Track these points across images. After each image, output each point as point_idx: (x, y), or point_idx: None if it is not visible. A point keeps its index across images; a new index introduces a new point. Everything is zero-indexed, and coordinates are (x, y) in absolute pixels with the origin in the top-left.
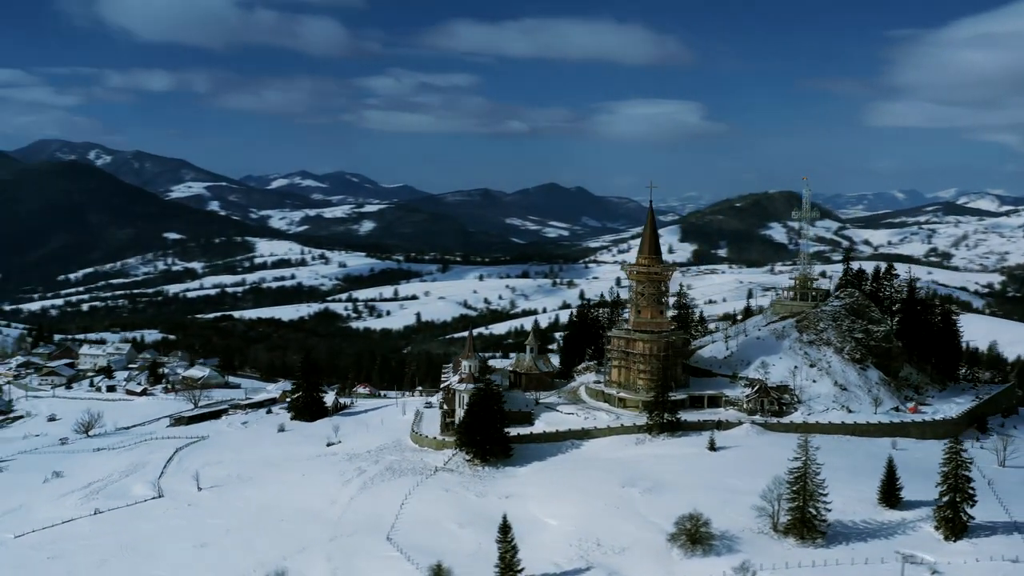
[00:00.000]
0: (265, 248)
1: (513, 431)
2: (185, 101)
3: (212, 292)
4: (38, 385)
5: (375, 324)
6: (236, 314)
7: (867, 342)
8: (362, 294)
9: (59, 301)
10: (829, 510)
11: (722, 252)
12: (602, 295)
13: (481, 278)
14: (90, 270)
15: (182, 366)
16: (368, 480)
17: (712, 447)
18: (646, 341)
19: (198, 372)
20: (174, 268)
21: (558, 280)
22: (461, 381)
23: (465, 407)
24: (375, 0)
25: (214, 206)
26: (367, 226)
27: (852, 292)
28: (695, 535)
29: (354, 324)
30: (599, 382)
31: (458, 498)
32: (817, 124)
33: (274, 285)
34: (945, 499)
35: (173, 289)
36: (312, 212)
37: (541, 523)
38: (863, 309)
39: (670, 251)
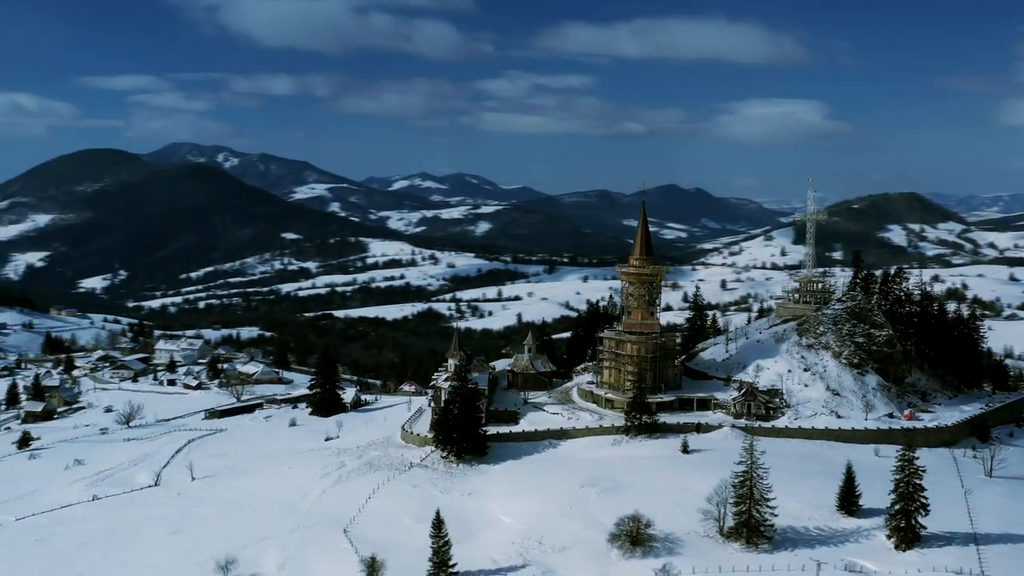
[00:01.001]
0: (377, 248)
1: (495, 430)
2: (307, 105)
3: (323, 291)
4: (109, 378)
5: (477, 324)
6: (340, 313)
7: (868, 347)
8: (467, 294)
9: (178, 299)
10: (775, 515)
11: (837, 255)
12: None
13: (586, 279)
14: (210, 269)
15: (241, 362)
16: (345, 474)
17: (685, 450)
18: (634, 342)
19: (252, 368)
20: (289, 268)
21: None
22: (447, 380)
23: (442, 405)
24: (486, 3)
25: (335, 207)
26: (483, 227)
27: (855, 296)
28: (636, 536)
29: (458, 324)
30: (592, 383)
31: (423, 494)
32: (947, 123)
33: (383, 285)
34: (896, 508)
35: (286, 288)
36: (430, 213)
37: (496, 520)
38: (865, 313)
39: (782, 254)
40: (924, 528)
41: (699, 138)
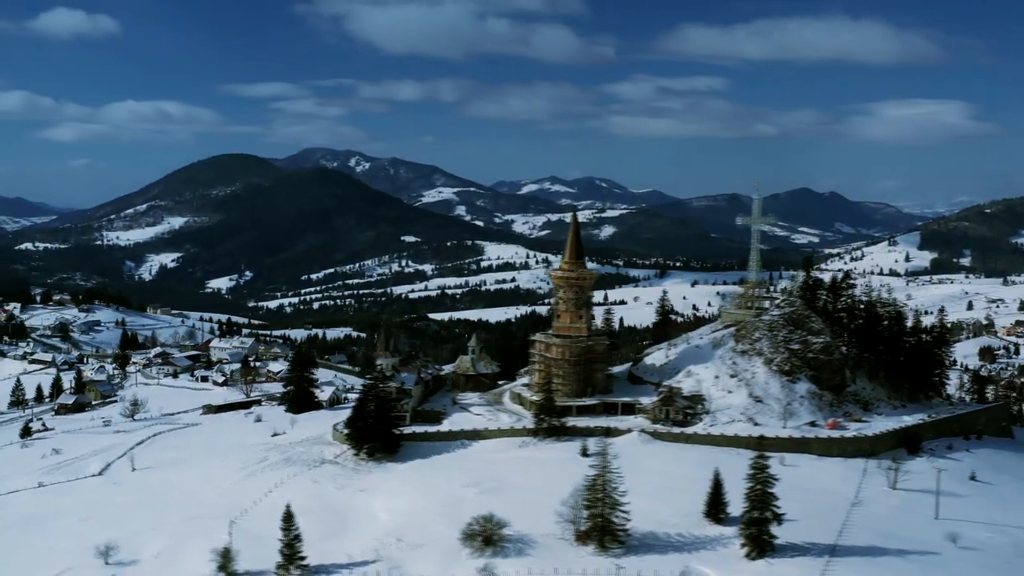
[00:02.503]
0: (493, 251)
1: (421, 429)
2: (435, 109)
3: (433, 293)
4: (155, 374)
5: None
6: (443, 315)
7: (803, 354)
8: None
9: (295, 299)
10: (628, 519)
11: (965, 261)
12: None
13: (694, 284)
14: (330, 270)
15: (276, 360)
16: (260, 469)
17: (584, 453)
18: (559, 346)
19: (278, 367)
20: (407, 270)
21: (772, 288)
22: (372, 378)
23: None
24: (601, 8)
25: (460, 211)
26: (607, 231)
27: (793, 301)
28: (489, 537)
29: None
30: (526, 385)
31: (319, 490)
32: None
33: (493, 288)
34: (750, 517)
35: (400, 290)
36: (554, 217)
37: (374, 517)
38: (802, 319)
39: (906, 259)
40: (775, 538)
41: (833, 140)
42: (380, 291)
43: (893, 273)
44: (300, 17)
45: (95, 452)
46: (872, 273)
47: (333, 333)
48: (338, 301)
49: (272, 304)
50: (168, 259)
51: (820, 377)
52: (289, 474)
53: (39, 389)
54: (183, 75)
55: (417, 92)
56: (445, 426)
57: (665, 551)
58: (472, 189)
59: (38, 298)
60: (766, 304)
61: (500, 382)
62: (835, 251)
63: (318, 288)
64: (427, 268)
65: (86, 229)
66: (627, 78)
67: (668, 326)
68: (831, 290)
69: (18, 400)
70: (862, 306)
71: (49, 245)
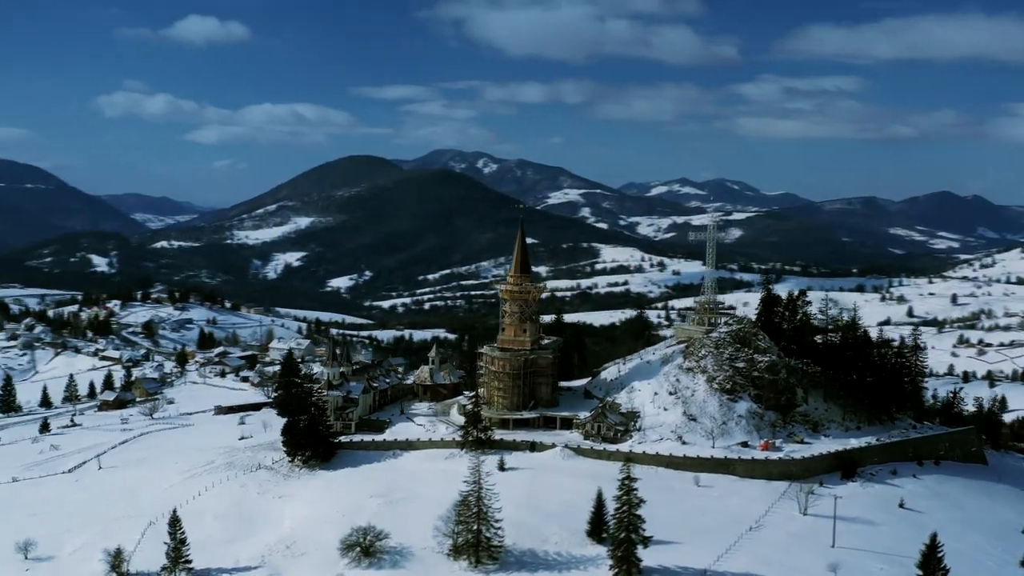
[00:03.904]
0: (608, 254)
1: (359, 438)
2: (560, 111)
3: (543, 296)
4: (207, 373)
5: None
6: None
7: (748, 372)
8: (683, 302)
9: (409, 300)
10: (502, 536)
11: None
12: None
13: (808, 290)
14: (447, 271)
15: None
16: (202, 471)
17: (501, 467)
18: (500, 359)
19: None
20: None
21: (887, 295)
22: (323, 388)
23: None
24: (721, 8)
25: (584, 212)
26: (733, 234)
27: (741, 319)
28: (368, 548)
29: (663, 332)
30: (472, 397)
31: (242, 494)
32: None
33: (603, 291)
34: (617, 538)
35: None
36: (680, 219)
37: (279, 523)
38: (749, 338)
39: None
40: (641, 560)
41: (975, 141)
42: (492, 292)
43: (1019, 281)
44: (422, 22)
45: (83, 450)
46: (997, 281)
47: (422, 335)
48: (449, 302)
49: (386, 304)
50: (293, 258)
51: (765, 396)
52: (224, 478)
53: (91, 386)
54: (316, 78)
55: (541, 94)
56: (387, 436)
57: (537, 569)
58: (598, 191)
59: (138, 295)
60: (721, 321)
61: (467, 392)
62: (968, 257)
63: (433, 289)
64: (541, 270)
65: (218, 228)
66: (753, 79)
67: None
68: (787, 307)
69: (70, 396)
70: (828, 326)
71: (183, 243)
